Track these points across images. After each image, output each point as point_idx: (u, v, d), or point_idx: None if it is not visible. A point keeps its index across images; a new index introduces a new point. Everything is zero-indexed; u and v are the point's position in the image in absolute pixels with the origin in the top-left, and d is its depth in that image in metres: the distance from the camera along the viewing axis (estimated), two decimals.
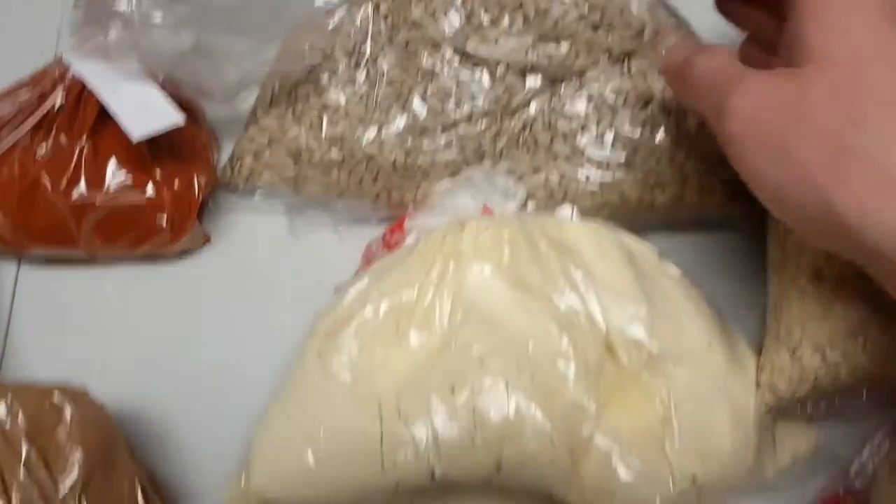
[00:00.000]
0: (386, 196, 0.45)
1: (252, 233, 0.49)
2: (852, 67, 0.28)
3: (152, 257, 0.47)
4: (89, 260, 0.47)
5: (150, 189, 0.44)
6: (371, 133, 0.44)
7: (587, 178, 0.44)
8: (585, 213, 0.45)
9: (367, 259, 0.44)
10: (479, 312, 0.37)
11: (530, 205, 0.44)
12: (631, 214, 0.45)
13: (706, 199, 0.44)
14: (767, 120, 0.29)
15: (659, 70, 0.41)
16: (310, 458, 0.36)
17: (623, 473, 0.36)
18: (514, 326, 0.37)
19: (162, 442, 0.43)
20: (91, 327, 0.46)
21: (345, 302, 0.39)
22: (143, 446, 0.41)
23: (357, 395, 0.37)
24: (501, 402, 0.35)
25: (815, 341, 0.36)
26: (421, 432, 0.35)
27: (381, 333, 0.38)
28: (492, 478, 0.35)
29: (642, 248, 0.41)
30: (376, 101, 0.44)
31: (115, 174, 0.43)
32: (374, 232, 0.45)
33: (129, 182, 0.43)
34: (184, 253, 0.48)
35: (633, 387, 0.37)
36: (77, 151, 0.43)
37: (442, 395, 0.36)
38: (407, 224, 0.44)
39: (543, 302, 0.37)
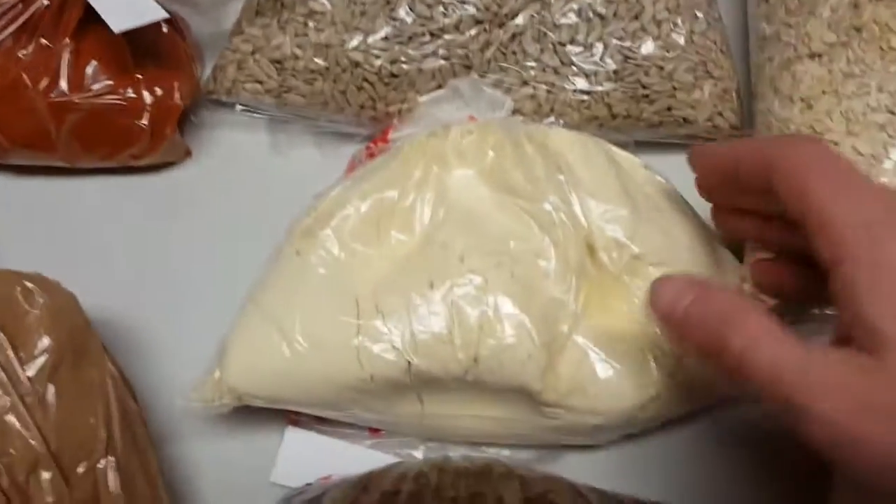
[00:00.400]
0: (371, 107, 0.45)
1: (234, 148, 0.48)
2: None
3: (134, 169, 0.47)
4: (70, 169, 0.46)
5: (130, 92, 0.43)
6: (356, 39, 0.43)
7: (575, 89, 0.43)
8: (574, 127, 0.45)
9: (351, 170, 0.44)
10: (461, 213, 0.37)
11: (518, 118, 0.43)
12: (620, 128, 0.44)
13: (694, 112, 0.44)
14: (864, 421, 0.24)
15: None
16: (285, 351, 0.36)
17: (600, 371, 0.35)
18: (495, 226, 0.37)
19: (139, 350, 0.43)
20: (71, 236, 0.46)
21: (325, 202, 0.38)
22: (120, 352, 0.41)
23: (335, 290, 0.36)
24: (480, 298, 0.35)
25: None
26: (398, 326, 0.35)
27: (361, 232, 0.37)
28: (468, 372, 0.34)
29: (629, 158, 0.40)
30: (363, 7, 0.43)
31: (96, 76, 0.43)
32: (359, 148, 0.45)
33: (111, 84, 0.43)
34: (165, 165, 0.47)
35: (613, 288, 0.37)
36: (59, 53, 0.42)
37: (421, 290, 0.35)
38: (391, 135, 0.43)
39: (526, 202, 0.37)
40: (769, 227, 0.33)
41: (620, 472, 0.39)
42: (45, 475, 0.33)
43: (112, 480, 0.35)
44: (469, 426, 0.38)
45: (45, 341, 0.35)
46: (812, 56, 0.38)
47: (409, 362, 0.34)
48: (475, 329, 0.34)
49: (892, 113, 0.36)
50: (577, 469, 0.38)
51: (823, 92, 0.38)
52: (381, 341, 0.35)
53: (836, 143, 0.37)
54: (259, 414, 0.40)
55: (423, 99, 0.43)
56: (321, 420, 0.40)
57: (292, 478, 0.39)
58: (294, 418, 0.41)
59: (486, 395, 0.36)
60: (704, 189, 0.35)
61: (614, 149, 0.40)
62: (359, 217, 0.37)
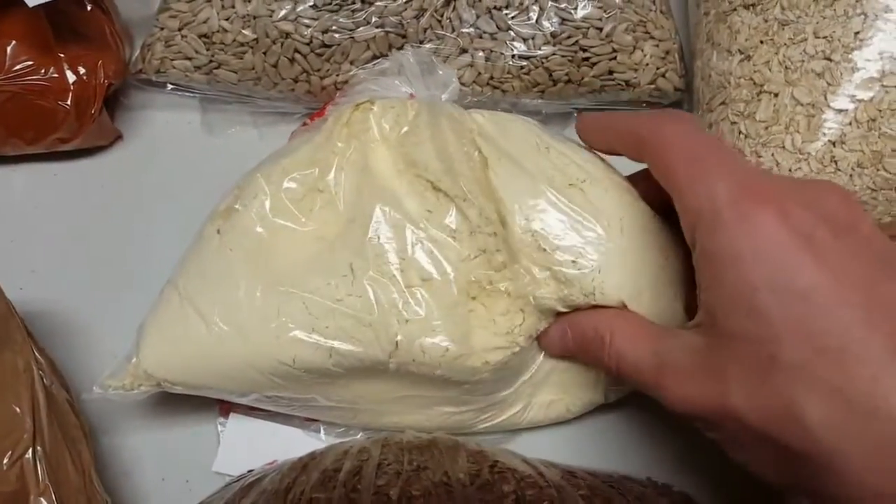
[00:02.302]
0: (305, 80, 0.43)
1: (167, 130, 0.47)
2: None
3: (63, 155, 0.45)
4: None
5: (52, 72, 0.41)
6: (285, 9, 0.42)
7: (514, 54, 0.42)
8: (515, 95, 0.44)
9: None
10: (380, 191, 0.35)
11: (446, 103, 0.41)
12: (562, 95, 0.43)
13: (636, 75, 0.43)
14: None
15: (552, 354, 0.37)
16: (204, 335, 0.34)
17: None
18: (412, 205, 0.35)
19: (70, 339, 0.41)
20: None
21: (247, 179, 0.37)
22: (50, 343, 0.39)
23: (256, 270, 0.34)
24: (399, 280, 0.33)
25: None
26: (320, 309, 0.33)
27: (284, 209, 0.36)
28: (391, 358, 0.33)
29: (556, 140, 0.38)
30: None
31: (16, 56, 0.41)
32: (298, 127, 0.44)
33: (31, 64, 0.41)
34: (96, 150, 0.46)
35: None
36: None
37: (342, 272, 0.34)
38: (329, 109, 0.42)
39: (439, 180, 0.35)
40: None
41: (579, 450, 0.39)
42: None
43: (41, 472, 0.33)
44: (401, 420, 0.37)
45: None
46: (747, 6, 0.38)
47: (330, 347, 0.33)
48: (394, 313, 0.33)
49: (829, 59, 0.36)
50: (533, 449, 0.37)
51: (761, 42, 0.37)
52: (303, 325, 0.33)
53: (775, 94, 0.36)
54: (199, 404, 0.39)
55: (362, 72, 0.42)
56: (255, 411, 0.39)
57: (235, 466, 0.38)
58: (227, 409, 0.39)
59: (415, 382, 0.35)
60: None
61: (540, 130, 0.38)
62: (281, 194, 0.36)
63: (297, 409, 0.37)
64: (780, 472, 0.27)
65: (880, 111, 0.35)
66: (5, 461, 0.33)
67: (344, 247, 0.34)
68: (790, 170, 0.36)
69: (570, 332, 0.34)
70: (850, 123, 0.35)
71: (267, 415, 0.39)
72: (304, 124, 0.42)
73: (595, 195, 0.34)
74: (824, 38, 0.36)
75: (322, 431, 0.39)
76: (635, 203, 0.34)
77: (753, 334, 0.25)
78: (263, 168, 0.36)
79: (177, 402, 0.39)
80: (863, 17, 0.35)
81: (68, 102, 0.42)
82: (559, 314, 0.35)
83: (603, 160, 0.36)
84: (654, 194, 0.33)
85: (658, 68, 0.43)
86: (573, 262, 0.33)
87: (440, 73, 0.40)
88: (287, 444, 0.38)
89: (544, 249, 0.33)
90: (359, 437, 0.37)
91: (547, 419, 0.38)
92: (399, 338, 0.33)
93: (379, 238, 0.34)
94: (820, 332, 0.24)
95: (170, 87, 0.45)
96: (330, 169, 0.36)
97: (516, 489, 0.31)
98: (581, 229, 0.33)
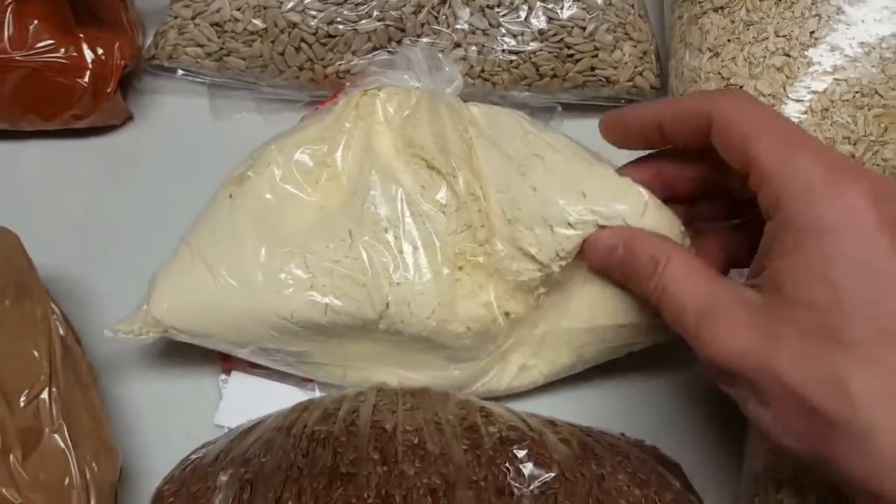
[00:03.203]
0: (309, 68, 0.46)
1: (176, 113, 0.50)
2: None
3: (76, 133, 0.47)
4: (13, 133, 0.47)
5: (72, 50, 0.44)
6: (293, 0, 0.45)
7: (504, 49, 0.46)
8: (504, 88, 0.47)
9: None
10: (382, 167, 0.38)
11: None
12: (547, 89, 0.47)
13: (616, 72, 0.47)
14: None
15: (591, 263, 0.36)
16: (211, 286, 0.37)
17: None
18: (408, 180, 0.38)
19: (81, 303, 0.43)
20: (13, 199, 0.46)
21: (261, 150, 0.40)
22: (63, 304, 0.41)
23: (263, 231, 0.37)
24: (393, 247, 0.36)
25: None
26: (318, 269, 0.36)
27: (293, 178, 0.39)
28: (381, 318, 0.36)
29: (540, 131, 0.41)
30: None
31: (38, 35, 0.44)
32: (301, 114, 0.46)
33: (52, 43, 0.44)
34: (107, 129, 0.48)
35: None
36: (2, 12, 0.43)
37: (341, 237, 0.37)
38: (340, 95, 0.45)
39: (434, 159, 0.38)
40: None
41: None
42: None
43: (55, 411, 0.35)
44: (388, 381, 0.39)
45: None
46: (716, 9, 0.42)
47: (326, 304, 0.36)
48: (386, 276, 0.36)
49: (788, 55, 0.39)
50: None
51: (728, 40, 0.41)
52: (302, 282, 0.36)
53: (740, 87, 0.40)
54: (201, 362, 0.41)
55: (373, 65, 0.44)
56: (255, 368, 0.41)
57: (235, 419, 0.40)
58: (229, 366, 0.42)
59: (401, 347, 0.37)
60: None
61: (525, 121, 0.41)
62: (292, 165, 0.39)
63: (291, 366, 0.40)
64: (803, 436, 0.27)
65: (832, 101, 0.39)
66: (22, 399, 0.35)
67: (344, 215, 0.37)
68: None
69: (622, 249, 0.34)
70: (806, 112, 0.39)
71: (267, 373, 0.41)
72: (316, 109, 0.45)
73: (554, 162, 0.37)
74: (784, 36, 0.40)
75: (317, 390, 0.41)
76: (592, 168, 0.37)
77: (821, 304, 0.26)
78: (277, 141, 0.40)
79: (180, 359, 0.42)
80: (817, 18, 0.39)
81: (86, 80, 0.44)
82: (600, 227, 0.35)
83: (575, 143, 0.39)
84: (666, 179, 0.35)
85: (636, 67, 0.47)
86: (533, 232, 0.36)
87: (446, 69, 0.43)
88: (285, 401, 0.40)
89: (509, 221, 0.36)
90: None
91: (522, 386, 0.41)
92: (389, 298, 0.36)
93: (376, 208, 0.37)
94: (888, 314, 0.25)
95: (180, 72, 0.48)
96: (337, 146, 0.39)
97: (500, 430, 0.34)
98: (544, 202, 0.36)
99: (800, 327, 0.26)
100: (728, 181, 0.32)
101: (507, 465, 0.32)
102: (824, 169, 0.27)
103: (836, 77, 0.39)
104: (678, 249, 0.33)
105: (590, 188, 0.35)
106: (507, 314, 0.37)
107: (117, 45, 0.45)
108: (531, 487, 0.32)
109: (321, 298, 0.36)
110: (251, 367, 0.41)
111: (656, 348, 0.41)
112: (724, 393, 0.31)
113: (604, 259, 0.35)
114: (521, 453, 0.33)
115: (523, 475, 0.32)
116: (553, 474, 0.32)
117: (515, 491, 0.32)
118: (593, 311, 0.38)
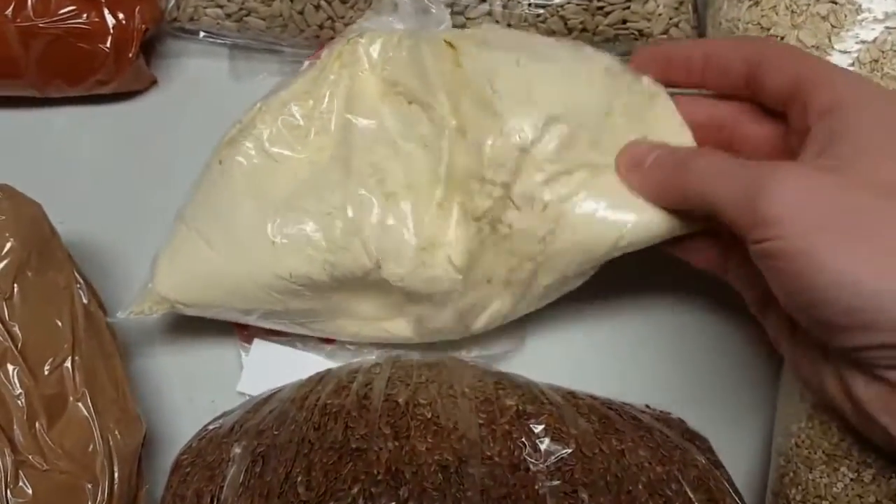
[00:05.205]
0: (330, 27, 0.45)
1: (198, 76, 0.49)
2: None
3: (102, 98, 0.47)
4: (39, 100, 0.47)
5: (93, 16, 0.44)
6: None
7: (530, 3, 0.44)
8: None
9: None
10: (365, 114, 0.37)
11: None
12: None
13: (650, 24, 0.44)
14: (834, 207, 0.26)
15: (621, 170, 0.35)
16: (209, 256, 0.37)
17: None
18: (395, 126, 0.37)
19: (105, 270, 0.44)
20: (40, 165, 0.47)
21: (248, 112, 0.39)
22: (85, 267, 0.42)
23: (255, 193, 0.37)
24: (382, 196, 0.35)
25: None
26: (313, 225, 0.36)
27: (282, 138, 0.38)
28: (379, 267, 0.35)
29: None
30: None
31: (60, 2, 0.44)
32: None
33: (74, 9, 0.44)
34: (132, 94, 0.48)
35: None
36: None
37: (333, 191, 0.36)
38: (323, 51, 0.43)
39: (417, 100, 0.37)
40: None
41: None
42: (12, 368, 0.34)
43: (78, 380, 0.36)
44: (396, 333, 0.39)
45: (10, 244, 0.36)
46: None
47: (323, 259, 0.35)
48: (378, 223, 0.35)
49: (835, 2, 0.36)
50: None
51: None
52: (297, 240, 0.36)
53: (782, 38, 0.37)
54: (220, 332, 0.42)
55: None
56: (274, 335, 0.41)
57: (257, 386, 0.40)
58: (246, 335, 0.42)
59: (408, 297, 0.37)
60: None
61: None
62: (279, 123, 0.38)
63: (304, 327, 0.39)
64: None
65: (883, 52, 0.36)
66: (46, 367, 0.35)
67: (333, 166, 0.37)
68: None
69: (656, 153, 0.33)
70: (853, 65, 0.36)
71: (288, 339, 0.41)
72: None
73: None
74: None
75: (337, 354, 0.41)
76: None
77: None
78: (263, 101, 0.39)
79: (202, 330, 0.42)
80: None
81: (108, 45, 0.44)
82: None
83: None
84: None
85: (671, 18, 0.44)
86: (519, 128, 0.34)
87: (433, 11, 0.41)
88: (305, 367, 0.40)
89: (496, 113, 0.35)
90: (372, 357, 0.39)
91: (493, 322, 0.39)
92: (382, 245, 0.35)
93: (363, 154, 0.36)
94: None
95: (202, 34, 0.47)
96: (323, 99, 0.38)
97: (518, 403, 0.33)
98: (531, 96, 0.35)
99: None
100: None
101: (523, 439, 0.32)
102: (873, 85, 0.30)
103: (888, 25, 0.36)
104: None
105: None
106: (479, 243, 0.36)
107: (138, 9, 0.45)
108: (547, 463, 0.31)
109: (318, 255, 0.36)
110: (272, 335, 0.41)
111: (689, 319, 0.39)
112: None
113: (635, 160, 0.34)
114: (538, 428, 0.32)
115: (539, 450, 0.31)
116: (570, 450, 0.31)
117: (531, 466, 0.31)
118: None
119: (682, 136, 0.35)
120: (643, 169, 0.33)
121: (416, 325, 0.37)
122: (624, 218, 0.34)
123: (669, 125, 0.36)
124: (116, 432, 0.35)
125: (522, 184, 0.35)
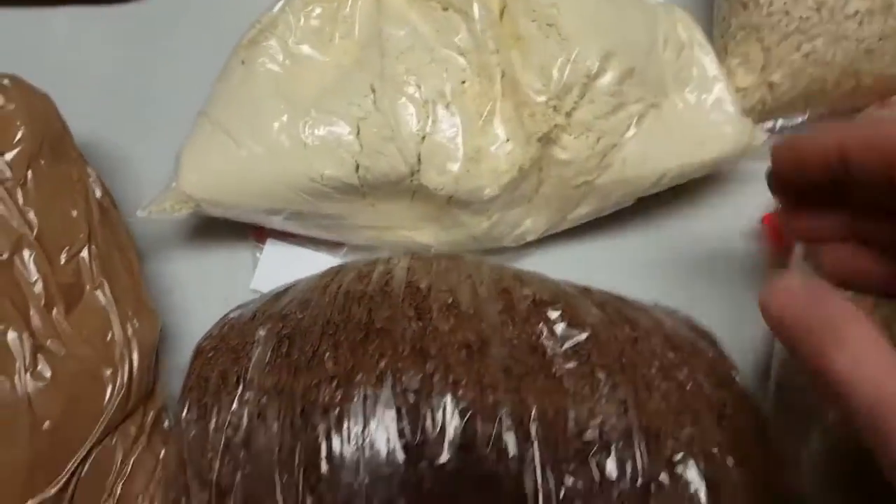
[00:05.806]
0: None
1: None
2: None
3: None
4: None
5: None
6: None
7: None
8: None
9: None
10: (396, 19, 0.37)
11: None
12: None
13: None
14: None
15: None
16: (237, 155, 0.36)
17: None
18: (426, 29, 0.37)
19: (114, 170, 0.43)
20: (42, 64, 0.46)
21: (270, 13, 0.39)
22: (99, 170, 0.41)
23: (282, 94, 0.37)
24: (418, 99, 0.36)
25: None
26: (345, 127, 0.36)
27: (306, 38, 0.38)
28: (413, 173, 0.35)
29: None
30: None
31: None
32: None
33: None
34: None
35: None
36: None
37: (364, 92, 0.36)
38: None
39: (461, 15, 0.37)
40: (864, 220, 0.28)
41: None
42: (28, 253, 0.34)
43: (95, 268, 0.36)
44: (422, 239, 0.39)
45: (22, 131, 0.35)
46: None
47: (356, 163, 0.35)
48: (415, 128, 0.35)
49: None
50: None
51: None
52: (329, 141, 0.36)
53: None
54: (233, 233, 0.42)
55: None
56: (288, 237, 0.41)
57: (271, 284, 0.40)
58: (262, 235, 0.42)
59: (431, 204, 0.37)
60: (780, 187, 0.29)
61: None
62: (302, 24, 0.38)
63: (326, 229, 0.40)
64: None
65: None
66: (63, 256, 0.35)
67: (363, 70, 0.37)
68: (803, 17, 0.38)
69: (802, 303, 0.24)
70: None
71: (299, 241, 0.41)
72: None
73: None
74: None
75: (349, 256, 0.41)
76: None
77: None
78: (287, 1, 0.38)
79: (214, 233, 0.42)
80: None
81: None
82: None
83: None
84: None
85: None
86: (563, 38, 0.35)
87: None
88: (317, 266, 0.40)
89: (562, 37, 0.35)
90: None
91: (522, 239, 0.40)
92: (420, 151, 0.35)
93: (396, 59, 0.36)
94: None
95: None
96: (347, 2, 0.38)
97: (534, 293, 0.34)
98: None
99: None
100: None
101: (540, 325, 0.32)
102: None
103: None
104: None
105: None
106: (532, 162, 0.36)
107: None
108: (564, 347, 0.32)
109: (351, 158, 0.36)
110: (285, 236, 0.41)
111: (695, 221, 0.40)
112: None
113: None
114: (554, 314, 0.33)
115: (556, 335, 0.32)
116: (586, 334, 0.32)
117: (548, 350, 0.32)
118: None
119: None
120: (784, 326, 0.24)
121: (444, 232, 0.38)
122: (669, 156, 0.36)
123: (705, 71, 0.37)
124: (135, 321, 0.36)
125: (582, 112, 0.35)
